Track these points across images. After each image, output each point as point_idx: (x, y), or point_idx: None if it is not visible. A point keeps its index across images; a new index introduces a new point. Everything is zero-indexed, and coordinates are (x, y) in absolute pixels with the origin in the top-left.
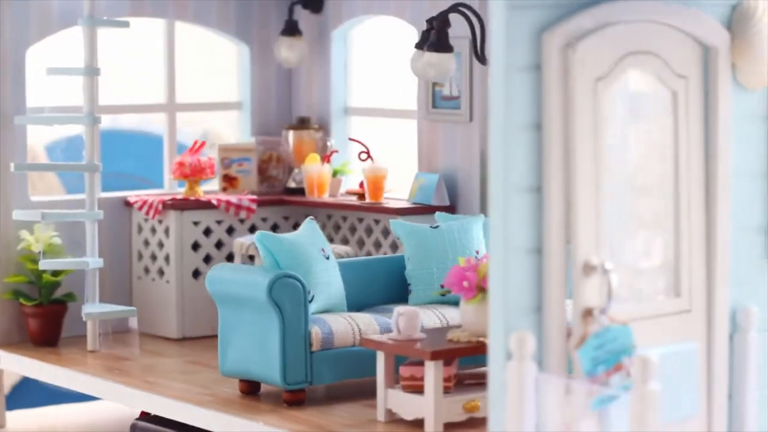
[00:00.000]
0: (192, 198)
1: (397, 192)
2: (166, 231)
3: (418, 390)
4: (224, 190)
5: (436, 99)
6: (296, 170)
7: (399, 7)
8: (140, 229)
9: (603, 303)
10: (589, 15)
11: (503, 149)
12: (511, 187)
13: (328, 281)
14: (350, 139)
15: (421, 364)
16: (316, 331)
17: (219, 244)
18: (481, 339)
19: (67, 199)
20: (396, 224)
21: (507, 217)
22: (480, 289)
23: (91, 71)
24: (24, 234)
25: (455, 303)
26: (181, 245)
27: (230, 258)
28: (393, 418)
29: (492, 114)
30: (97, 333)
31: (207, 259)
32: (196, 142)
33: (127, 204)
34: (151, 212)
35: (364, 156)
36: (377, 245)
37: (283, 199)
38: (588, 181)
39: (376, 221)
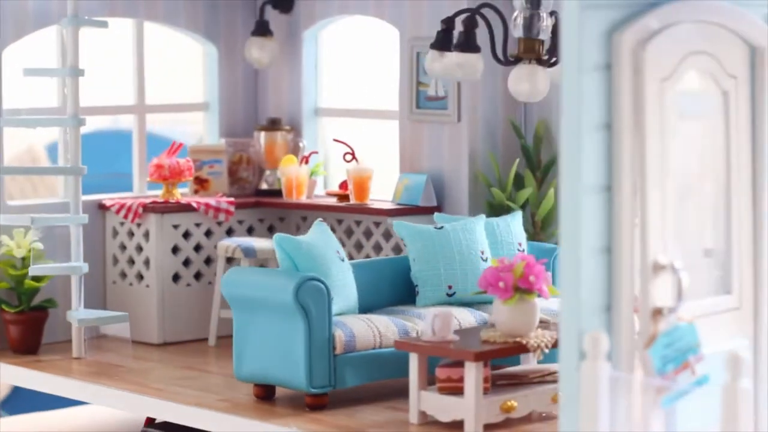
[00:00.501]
0: (171, 201)
1: (378, 193)
2: (146, 234)
3: (455, 391)
4: (196, 192)
5: (420, 99)
6: (268, 172)
7: (378, 6)
8: (115, 233)
9: (673, 302)
10: (655, 15)
11: (575, 149)
12: (581, 186)
13: (344, 283)
14: (335, 140)
15: (456, 365)
16: (339, 335)
17: (198, 248)
18: (517, 339)
19: (42, 203)
20: (399, 225)
21: (578, 216)
22: (516, 290)
23: (75, 72)
24: (5, 239)
25: (463, 304)
26: (162, 249)
27: (208, 261)
28: (426, 420)
29: (564, 114)
30: (83, 339)
31: (186, 263)
32: (174, 144)
33: (102, 207)
34: (130, 215)
35: (349, 157)
36: (358, 246)
37: (259, 201)
38: (656, 180)
39: (357, 222)
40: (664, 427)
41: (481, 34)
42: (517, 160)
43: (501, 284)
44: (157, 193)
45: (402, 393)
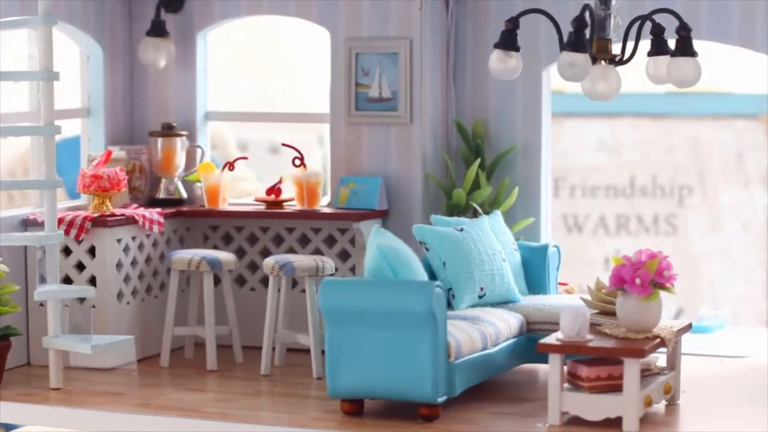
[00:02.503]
0: (107, 213)
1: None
2: (91, 251)
3: (606, 389)
4: (102, 204)
5: (359, 101)
6: (167, 180)
7: (303, 7)
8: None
9: None
10: None
11: None
12: None
13: None
14: (283, 144)
15: (595, 364)
16: (450, 342)
17: (134, 262)
18: (650, 333)
19: (5, 215)
20: (421, 229)
21: None
22: (654, 285)
23: (49, 76)
24: None
25: (492, 305)
26: (110, 265)
27: (155, 275)
28: (564, 420)
29: None
30: (61, 368)
31: (126, 279)
32: (110, 153)
33: (27, 223)
34: (74, 231)
35: (297, 162)
36: (289, 252)
37: (180, 210)
38: None
39: (289, 229)
40: None
41: (528, 35)
42: (478, 160)
43: (638, 281)
44: (76, 204)
45: (496, 395)
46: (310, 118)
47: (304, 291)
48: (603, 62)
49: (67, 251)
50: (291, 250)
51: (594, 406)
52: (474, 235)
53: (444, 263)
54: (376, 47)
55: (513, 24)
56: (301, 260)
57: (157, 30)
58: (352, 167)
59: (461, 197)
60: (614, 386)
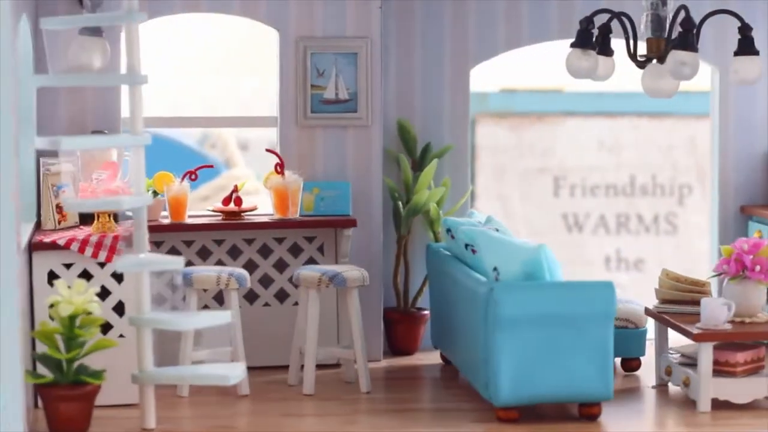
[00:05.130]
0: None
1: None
2: (118, 277)
3: (752, 372)
4: (59, 223)
5: (314, 103)
6: None
7: (249, 6)
8: (53, 276)
9: None
10: None
11: None
12: None
13: None
14: (267, 150)
15: (740, 349)
16: None
17: None
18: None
19: None
20: (468, 233)
21: None
22: None
23: (136, 79)
24: (60, 285)
25: None
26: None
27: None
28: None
29: None
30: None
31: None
32: (116, 164)
33: (37, 246)
34: (104, 254)
35: (279, 169)
36: (247, 266)
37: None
38: None
39: (248, 240)
40: None
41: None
42: (435, 161)
43: (757, 268)
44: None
45: None
46: (255, 122)
47: (296, 304)
48: (658, 61)
49: (86, 275)
50: (250, 262)
51: (743, 390)
52: (503, 234)
53: (495, 268)
54: (333, 47)
55: (586, 23)
56: (347, 271)
57: (91, 29)
58: (310, 173)
59: (422, 199)
60: (759, 368)
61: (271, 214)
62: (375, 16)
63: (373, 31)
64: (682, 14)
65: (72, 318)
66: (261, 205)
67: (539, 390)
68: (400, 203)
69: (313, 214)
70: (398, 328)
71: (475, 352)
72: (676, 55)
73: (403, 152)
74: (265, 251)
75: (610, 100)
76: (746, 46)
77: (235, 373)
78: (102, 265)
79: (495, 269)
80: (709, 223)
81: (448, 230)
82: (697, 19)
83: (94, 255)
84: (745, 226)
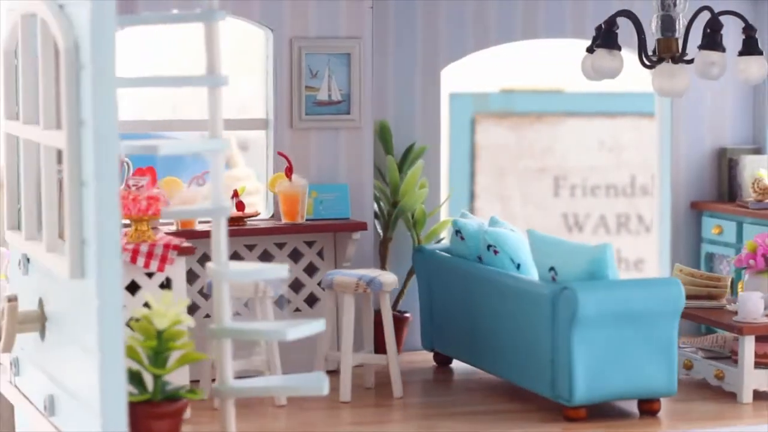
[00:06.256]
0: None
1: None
2: (166, 288)
3: None
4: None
5: (308, 105)
6: None
7: (244, 7)
8: None
9: None
10: None
11: None
12: None
13: None
14: (279, 153)
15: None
16: None
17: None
18: None
19: None
20: (497, 235)
21: None
22: None
23: (216, 81)
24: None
25: None
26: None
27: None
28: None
29: None
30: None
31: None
32: (153, 170)
33: None
34: (156, 263)
35: (288, 173)
36: None
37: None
38: None
39: (249, 246)
40: None
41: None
42: (421, 162)
43: None
44: None
45: None
46: (247, 125)
47: (297, 310)
48: (670, 61)
49: (133, 287)
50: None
51: None
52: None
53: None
54: (326, 47)
55: (606, 26)
56: (381, 275)
57: None
58: (303, 176)
59: (413, 200)
60: None
61: (271, 219)
62: (366, 16)
63: (365, 32)
64: (705, 15)
65: (160, 332)
66: (259, 207)
67: (610, 388)
68: (382, 204)
69: (313, 218)
70: (381, 331)
71: (535, 353)
72: (704, 56)
73: (382, 154)
74: (266, 258)
75: (610, 100)
76: (751, 47)
77: (325, 382)
78: (150, 275)
79: (552, 269)
80: (659, 219)
81: (457, 232)
82: (685, 21)
83: (146, 265)
84: (699, 222)
